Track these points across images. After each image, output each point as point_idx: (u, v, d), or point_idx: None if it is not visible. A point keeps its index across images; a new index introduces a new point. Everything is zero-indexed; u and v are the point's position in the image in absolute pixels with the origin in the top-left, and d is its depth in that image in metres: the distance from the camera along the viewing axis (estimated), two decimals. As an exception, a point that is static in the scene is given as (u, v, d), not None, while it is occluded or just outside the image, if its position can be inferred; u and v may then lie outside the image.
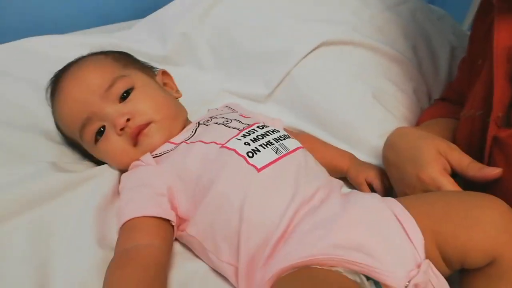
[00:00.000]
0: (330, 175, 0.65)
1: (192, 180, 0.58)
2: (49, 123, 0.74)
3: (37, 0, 1.08)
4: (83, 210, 0.59)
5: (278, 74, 0.83)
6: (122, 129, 0.63)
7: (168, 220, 0.57)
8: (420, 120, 0.81)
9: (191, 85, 0.86)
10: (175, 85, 0.77)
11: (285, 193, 0.55)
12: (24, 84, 0.84)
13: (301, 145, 0.64)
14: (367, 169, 0.72)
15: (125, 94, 0.65)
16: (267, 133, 0.63)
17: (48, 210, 0.58)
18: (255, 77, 0.86)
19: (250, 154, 0.58)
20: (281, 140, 0.62)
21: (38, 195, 0.59)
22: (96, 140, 0.65)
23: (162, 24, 0.96)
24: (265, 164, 0.57)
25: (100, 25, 1.13)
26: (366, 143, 0.77)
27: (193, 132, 0.65)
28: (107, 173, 0.66)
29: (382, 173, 0.70)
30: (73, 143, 0.72)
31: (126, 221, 0.56)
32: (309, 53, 0.82)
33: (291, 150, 0.61)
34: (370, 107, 0.79)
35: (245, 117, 0.70)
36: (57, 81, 0.70)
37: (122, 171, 0.66)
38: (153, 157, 0.63)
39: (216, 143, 0.60)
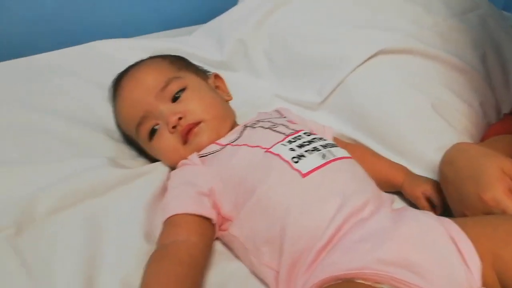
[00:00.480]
0: (382, 189, 0.62)
1: (236, 183, 0.59)
2: (110, 122, 0.78)
3: (105, 6, 1.16)
4: (134, 205, 0.62)
5: (331, 81, 0.82)
6: (174, 127, 0.66)
7: (209, 219, 0.58)
8: (486, 135, 0.76)
9: (244, 89, 0.88)
10: (226, 88, 0.79)
11: (333, 200, 0.54)
12: (90, 83, 0.90)
13: (350, 155, 0.62)
14: (424, 183, 0.69)
15: (177, 95, 0.68)
16: (314, 140, 0.62)
17: (102, 203, 0.61)
18: (308, 84, 0.86)
19: (295, 160, 0.57)
20: (328, 147, 0.61)
21: (94, 188, 0.63)
22: (151, 138, 0.68)
23: (220, 30, 0.99)
24: (311, 169, 0.56)
25: (163, 30, 1.19)
26: (422, 156, 0.73)
27: (239, 135, 0.66)
28: (158, 170, 0.68)
29: (440, 188, 0.66)
30: (130, 141, 0.76)
31: (169, 217, 0.57)
32: (365, 61, 0.80)
33: (338, 157, 0.60)
34: (428, 118, 0.76)
35: (292, 123, 0.69)
36: (118, 82, 0.74)
37: (172, 168, 0.68)
38: (200, 157, 0.65)
39: (261, 148, 0.61)
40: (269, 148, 0.60)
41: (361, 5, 0.87)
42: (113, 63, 0.88)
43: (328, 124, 0.78)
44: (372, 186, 0.60)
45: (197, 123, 0.67)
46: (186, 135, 0.66)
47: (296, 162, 0.57)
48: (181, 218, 0.57)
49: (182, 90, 0.69)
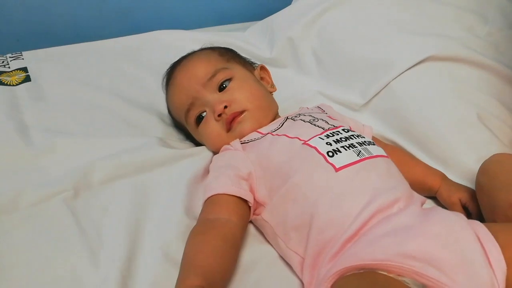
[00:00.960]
0: (420, 193, 0.63)
1: (272, 170, 0.62)
2: (162, 106, 0.84)
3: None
4: (178, 182, 0.67)
5: (376, 84, 0.83)
6: (219, 115, 0.70)
7: (246, 201, 0.62)
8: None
9: (289, 84, 0.91)
10: (271, 79, 0.82)
11: (362, 196, 0.55)
12: (149, 70, 0.97)
13: (386, 154, 0.64)
14: (461, 190, 0.69)
15: (224, 85, 0.72)
16: (351, 136, 0.64)
17: (149, 178, 0.67)
18: (353, 85, 0.87)
19: (330, 154, 0.60)
20: (365, 145, 0.63)
21: (143, 164, 0.69)
22: (197, 124, 0.73)
23: (272, 28, 1.03)
24: (344, 164, 0.58)
25: (219, 25, 1.25)
26: (462, 165, 0.73)
27: (280, 125, 0.69)
28: (202, 153, 0.73)
29: (476, 197, 0.66)
30: (179, 126, 0.82)
31: (211, 196, 0.61)
32: (413, 66, 0.80)
33: (374, 155, 0.61)
34: (473, 128, 0.75)
35: (332, 119, 0.71)
36: (171, 71, 0.80)
37: (215, 153, 0.73)
38: (241, 143, 0.69)
39: (299, 139, 0.63)
40: (307, 141, 0.62)
41: (415, 10, 0.88)
42: (171, 52, 0.94)
43: (370, 125, 0.80)
44: (404, 186, 0.61)
45: (241, 112, 0.70)
46: (230, 123, 0.70)
47: (331, 156, 0.59)
48: (222, 198, 0.61)
49: (229, 80, 0.73)
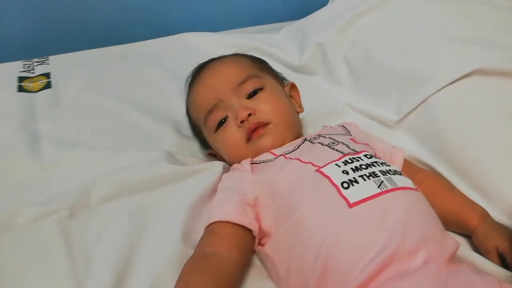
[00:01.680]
0: (449, 228, 0.57)
1: (280, 198, 0.56)
2: (180, 115, 0.81)
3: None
4: (179, 204, 0.62)
5: (413, 99, 0.73)
6: (242, 121, 0.65)
7: (251, 230, 0.56)
8: None
9: (318, 94, 0.85)
10: (299, 99, 0.78)
11: (376, 239, 0.48)
12: (172, 75, 0.94)
13: (415, 187, 0.55)
14: (500, 235, 0.58)
15: (253, 93, 0.68)
16: (374, 163, 0.56)
17: (151, 198, 0.64)
18: (388, 98, 0.78)
19: (345, 185, 0.52)
20: (390, 174, 0.55)
21: (147, 182, 0.65)
22: (217, 128, 0.68)
23: (303, 32, 0.95)
24: (361, 198, 0.51)
25: (254, 25, 1.19)
26: (506, 198, 0.62)
27: (296, 147, 0.63)
28: (211, 170, 0.68)
29: None
30: (195, 130, 0.77)
31: (211, 223, 0.56)
32: (456, 80, 0.69)
33: (399, 186, 0.53)
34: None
35: (355, 142, 0.64)
36: (198, 70, 0.76)
37: (230, 164, 0.68)
38: (252, 163, 0.64)
39: (313, 165, 0.57)
40: (321, 167, 0.56)
41: (462, 15, 0.76)
42: (197, 56, 0.90)
43: (403, 145, 0.71)
44: (434, 228, 0.52)
45: (265, 124, 0.66)
46: (251, 133, 0.65)
47: (346, 188, 0.52)
48: (224, 227, 0.56)
49: (259, 89, 0.68)
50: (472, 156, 0.67)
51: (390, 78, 0.78)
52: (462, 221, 0.62)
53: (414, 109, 0.74)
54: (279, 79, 0.77)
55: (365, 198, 0.51)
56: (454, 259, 0.50)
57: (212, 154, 0.74)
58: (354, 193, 0.51)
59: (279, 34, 1.05)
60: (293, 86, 0.78)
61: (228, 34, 1.10)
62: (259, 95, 0.68)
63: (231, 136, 0.67)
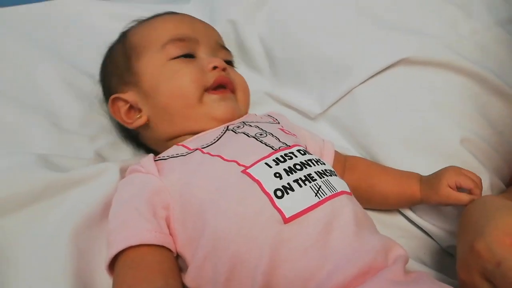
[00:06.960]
0: (400, 206, 0.60)
1: (193, 210, 0.45)
2: (56, 102, 0.65)
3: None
4: (59, 231, 0.47)
5: (337, 89, 0.66)
6: (215, 68, 0.57)
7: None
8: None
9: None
10: None
11: (322, 263, 0.40)
12: (41, 49, 0.73)
13: (349, 190, 0.49)
14: (445, 175, 0.54)
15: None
16: (309, 162, 0.48)
17: (13, 225, 0.46)
18: (309, 88, 0.70)
19: (279, 193, 0.43)
20: (326, 175, 0.47)
21: (8, 199, 0.47)
22: (175, 58, 0.57)
23: (213, 6, 0.81)
24: (297, 211, 0.43)
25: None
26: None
27: (216, 139, 0.52)
28: (104, 177, 0.52)
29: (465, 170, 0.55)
30: (118, 67, 0.61)
31: (121, 253, 0.43)
32: (383, 70, 0.64)
33: (338, 191, 0.46)
34: (451, 152, 0.61)
35: (286, 132, 0.55)
36: (153, 17, 0.64)
37: (122, 176, 0.53)
38: (157, 160, 0.51)
39: (238, 164, 0.47)
40: (248, 167, 0.46)
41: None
42: (80, 28, 0.78)
43: (328, 139, 0.64)
44: (377, 240, 0.45)
45: (233, 90, 0.60)
46: (215, 88, 0.57)
47: (280, 197, 0.43)
48: (141, 253, 0.43)
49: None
50: (394, 153, 0.63)
51: (312, 64, 0.69)
52: (405, 192, 0.58)
53: (337, 101, 0.67)
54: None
55: (302, 211, 0.43)
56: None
57: (117, 99, 0.58)
58: (289, 205, 0.43)
59: (192, 3, 0.88)
60: None
61: (118, 3, 0.91)
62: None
63: (191, 71, 0.56)
